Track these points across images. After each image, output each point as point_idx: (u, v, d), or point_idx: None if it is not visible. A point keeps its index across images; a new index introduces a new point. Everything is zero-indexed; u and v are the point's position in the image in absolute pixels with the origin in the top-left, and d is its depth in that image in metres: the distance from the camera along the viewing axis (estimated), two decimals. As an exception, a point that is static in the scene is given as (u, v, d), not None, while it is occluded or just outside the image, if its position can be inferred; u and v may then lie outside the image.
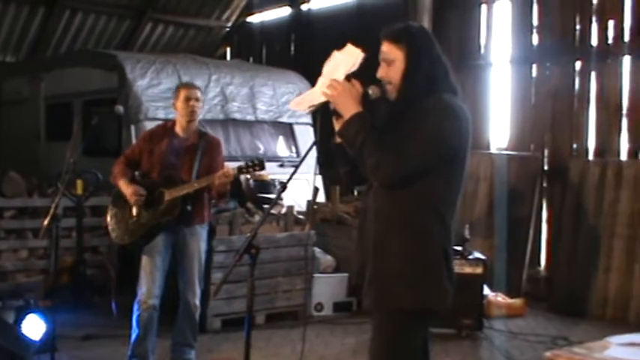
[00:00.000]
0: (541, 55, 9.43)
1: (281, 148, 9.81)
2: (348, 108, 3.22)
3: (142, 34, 14.36)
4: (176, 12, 14.26)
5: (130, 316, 5.54)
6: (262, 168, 5.37)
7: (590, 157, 8.84)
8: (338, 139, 3.34)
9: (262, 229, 6.66)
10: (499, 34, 9.97)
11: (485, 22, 10.06)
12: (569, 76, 9.09)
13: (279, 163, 9.10)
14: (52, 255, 7.52)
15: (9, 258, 7.80)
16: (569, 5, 9.08)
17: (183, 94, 5.61)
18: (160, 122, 6.50)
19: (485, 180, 9.09)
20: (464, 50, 10.06)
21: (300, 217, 7.86)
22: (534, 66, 9.49)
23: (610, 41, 8.74)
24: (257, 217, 7.47)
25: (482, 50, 10.09)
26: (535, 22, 9.49)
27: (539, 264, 9.26)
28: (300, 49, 13.31)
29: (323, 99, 3.30)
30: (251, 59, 14.16)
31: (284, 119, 9.75)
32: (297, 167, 3.45)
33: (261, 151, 9.31)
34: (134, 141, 7.63)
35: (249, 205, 7.77)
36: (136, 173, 5.81)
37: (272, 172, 8.17)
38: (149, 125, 7.36)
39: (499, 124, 9.92)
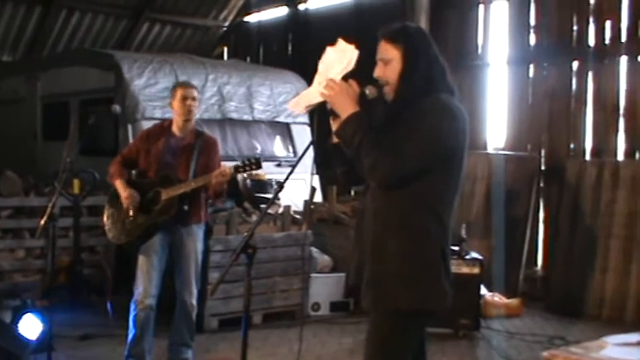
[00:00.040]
0: (538, 56, 9.43)
1: (278, 147, 9.81)
2: (345, 108, 3.22)
3: (139, 33, 14.35)
4: (173, 12, 14.25)
5: (127, 315, 5.54)
6: (259, 167, 5.36)
7: (587, 157, 8.86)
8: (335, 139, 3.34)
9: (259, 229, 6.63)
10: (496, 34, 9.98)
11: (483, 22, 10.07)
12: (567, 77, 9.10)
13: (276, 163, 9.11)
14: (48, 254, 7.52)
15: (6, 257, 7.80)
16: (566, 5, 9.09)
17: (179, 93, 5.60)
18: (156, 122, 6.50)
19: (483, 180, 9.09)
20: (461, 50, 10.07)
21: (297, 216, 7.86)
22: (531, 66, 9.50)
23: (607, 42, 8.76)
24: (254, 217, 7.47)
25: (480, 50, 10.10)
26: (532, 22, 9.50)
27: (536, 264, 9.27)
28: (297, 48, 13.31)
29: (320, 99, 3.29)
30: (248, 59, 14.16)
31: (281, 119, 9.75)
32: (294, 167, 3.44)
33: (259, 151, 9.30)
34: (131, 140, 7.63)
35: (246, 204, 7.77)
36: (133, 172, 5.81)
37: (269, 171, 8.18)
38: (146, 125, 7.35)
39: (496, 124, 9.93)
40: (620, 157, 8.58)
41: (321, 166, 3.66)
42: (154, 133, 5.71)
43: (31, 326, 5.66)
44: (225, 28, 15.13)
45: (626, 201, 7.99)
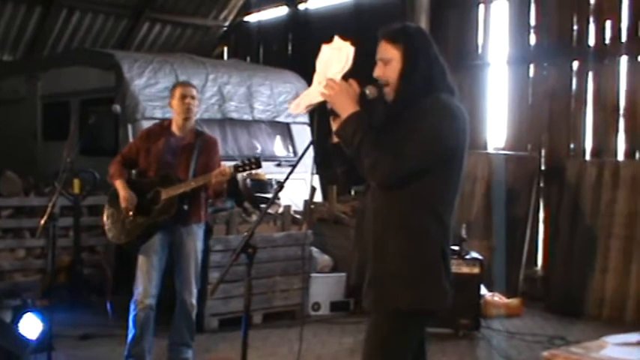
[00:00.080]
0: (538, 55, 9.43)
1: (278, 147, 9.81)
2: (346, 108, 3.22)
3: (140, 33, 14.35)
4: (173, 11, 14.25)
5: (127, 315, 5.54)
6: (259, 166, 5.36)
7: (588, 157, 8.86)
8: (335, 139, 3.34)
9: (259, 229, 6.64)
10: (496, 34, 9.98)
11: (483, 22, 10.07)
12: (567, 77, 9.10)
13: (276, 163, 9.10)
14: (49, 254, 7.52)
15: (6, 257, 7.80)
16: (566, 5, 9.09)
17: (178, 91, 5.61)
18: (157, 122, 6.50)
19: (483, 180, 9.09)
20: (461, 50, 10.07)
21: (298, 216, 7.86)
22: (532, 66, 9.50)
23: (607, 41, 8.76)
24: (254, 217, 7.47)
25: (480, 50, 10.10)
26: (532, 22, 9.50)
27: (536, 264, 9.28)
28: (297, 48, 13.31)
29: (320, 99, 3.29)
30: (248, 59, 14.17)
31: (281, 119, 9.75)
32: (294, 167, 3.44)
33: (259, 151, 9.30)
34: (131, 140, 7.62)
35: (247, 204, 7.77)
36: (133, 172, 5.81)
37: (269, 171, 8.18)
38: (146, 124, 7.35)
39: (496, 124, 9.93)
40: (620, 157, 8.58)
41: (321, 165, 3.66)
42: (154, 133, 5.71)
43: (31, 326, 5.66)
44: (225, 28, 15.13)
45: (626, 201, 7.99)
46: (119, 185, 5.55)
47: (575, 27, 9.03)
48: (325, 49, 3.42)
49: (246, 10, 14.70)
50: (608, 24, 8.74)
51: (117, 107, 6.53)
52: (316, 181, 8.91)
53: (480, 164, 9.12)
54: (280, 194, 3.69)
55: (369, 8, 11.66)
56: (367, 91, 3.27)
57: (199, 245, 5.68)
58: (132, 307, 5.49)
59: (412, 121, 3.17)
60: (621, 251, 7.94)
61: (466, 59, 10.04)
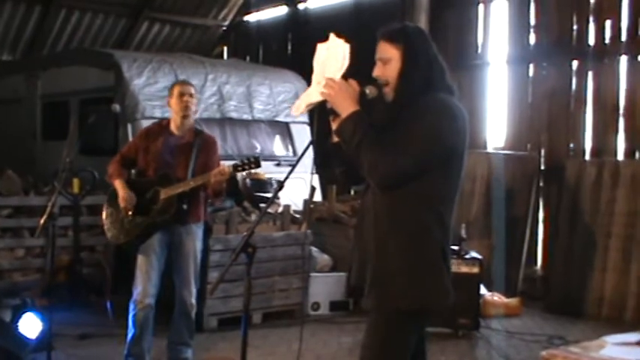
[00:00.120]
0: (538, 55, 9.44)
1: (278, 147, 9.81)
2: (345, 107, 3.21)
3: (139, 33, 14.35)
4: (173, 11, 14.25)
5: (127, 315, 5.53)
6: (258, 165, 5.36)
7: (587, 156, 8.86)
8: (335, 139, 3.34)
9: (259, 228, 6.61)
10: (496, 34, 9.98)
11: (483, 22, 10.08)
12: (566, 76, 9.10)
13: (275, 162, 9.10)
14: (48, 254, 7.52)
15: (5, 257, 7.79)
16: (566, 5, 9.10)
17: (176, 90, 5.61)
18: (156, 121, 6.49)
19: (482, 180, 9.09)
20: (461, 50, 10.07)
21: (297, 216, 7.86)
22: (531, 66, 9.51)
23: (607, 41, 8.76)
24: (253, 216, 7.46)
25: (479, 50, 10.10)
26: (532, 21, 9.51)
27: (535, 263, 9.28)
28: (297, 48, 13.32)
29: (320, 98, 3.29)
30: (248, 58, 14.16)
31: (281, 118, 9.75)
32: (293, 166, 3.44)
33: (258, 150, 9.30)
34: (130, 140, 7.62)
35: (246, 204, 7.77)
36: (132, 172, 5.81)
37: (269, 171, 8.18)
38: (146, 124, 7.34)
39: (496, 124, 9.94)
40: (620, 156, 8.58)
41: (321, 165, 3.65)
42: (153, 132, 5.70)
43: (30, 325, 5.66)
44: (224, 28, 15.13)
45: (625, 200, 7.99)
46: (118, 185, 5.55)
47: (574, 26, 9.04)
48: (321, 48, 3.42)
49: (246, 9, 14.70)
50: (607, 23, 8.74)
51: (116, 107, 6.53)
52: (316, 181, 8.91)
53: (479, 164, 9.11)
54: (280, 194, 3.68)
55: (368, 8, 11.66)
56: (367, 91, 3.26)
57: (198, 245, 5.68)
58: (131, 306, 5.49)
59: (411, 120, 3.17)
60: (621, 251, 7.94)
61: (466, 59, 10.05)
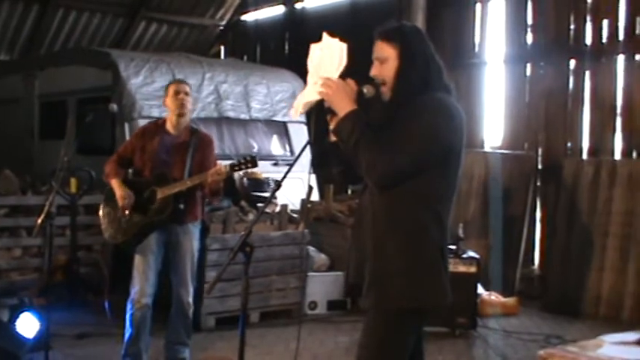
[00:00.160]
0: (535, 54, 9.44)
1: (275, 146, 9.81)
2: (343, 106, 3.21)
3: (136, 32, 14.34)
4: (170, 10, 14.24)
5: (124, 314, 5.53)
6: (255, 165, 5.36)
7: (584, 156, 8.87)
8: (332, 138, 3.34)
9: (256, 228, 6.66)
10: (493, 33, 9.99)
11: (480, 21, 10.08)
12: (564, 75, 9.11)
13: (273, 162, 9.11)
14: (45, 253, 7.51)
15: (3, 256, 7.78)
16: (563, 4, 9.10)
17: (172, 89, 5.61)
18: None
19: (479, 179, 9.09)
20: (458, 49, 10.07)
21: (294, 215, 7.86)
22: (528, 65, 9.51)
23: (604, 40, 8.77)
24: (251, 216, 7.47)
25: (477, 49, 10.11)
26: (529, 21, 9.51)
27: (532, 263, 9.29)
28: (294, 47, 13.31)
29: (317, 97, 3.29)
30: (245, 58, 14.15)
31: (278, 118, 9.75)
32: (291, 166, 3.44)
33: (255, 150, 9.30)
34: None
35: (243, 203, 7.77)
36: (129, 171, 5.81)
37: (266, 170, 8.18)
38: (143, 123, 7.35)
39: (493, 123, 9.94)
40: (617, 155, 8.59)
41: (318, 165, 3.66)
42: (149, 131, 5.70)
43: (28, 325, 5.66)
44: (222, 27, 15.12)
45: (623, 200, 8.00)
46: (115, 184, 5.55)
47: (572, 26, 9.04)
48: (314, 48, 3.41)
49: (243, 9, 14.69)
50: (605, 23, 8.75)
51: (114, 106, 6.52)
52: (313, 180, 8.91)
53: (476, 163, 9.12)
54: (277, 193, 3.68)
55: (365, 7, 11.66)
56: (364, 90, 3.26)
57: (195, 244, 5.67)
58: (128, 306, 5.48)
59: (409, 119, 3.17)
60: (618, 250, 7.95)
61: (463, 58, 10.05)
